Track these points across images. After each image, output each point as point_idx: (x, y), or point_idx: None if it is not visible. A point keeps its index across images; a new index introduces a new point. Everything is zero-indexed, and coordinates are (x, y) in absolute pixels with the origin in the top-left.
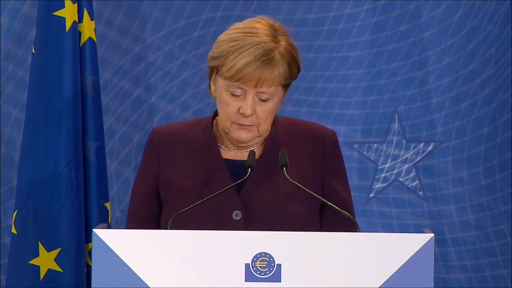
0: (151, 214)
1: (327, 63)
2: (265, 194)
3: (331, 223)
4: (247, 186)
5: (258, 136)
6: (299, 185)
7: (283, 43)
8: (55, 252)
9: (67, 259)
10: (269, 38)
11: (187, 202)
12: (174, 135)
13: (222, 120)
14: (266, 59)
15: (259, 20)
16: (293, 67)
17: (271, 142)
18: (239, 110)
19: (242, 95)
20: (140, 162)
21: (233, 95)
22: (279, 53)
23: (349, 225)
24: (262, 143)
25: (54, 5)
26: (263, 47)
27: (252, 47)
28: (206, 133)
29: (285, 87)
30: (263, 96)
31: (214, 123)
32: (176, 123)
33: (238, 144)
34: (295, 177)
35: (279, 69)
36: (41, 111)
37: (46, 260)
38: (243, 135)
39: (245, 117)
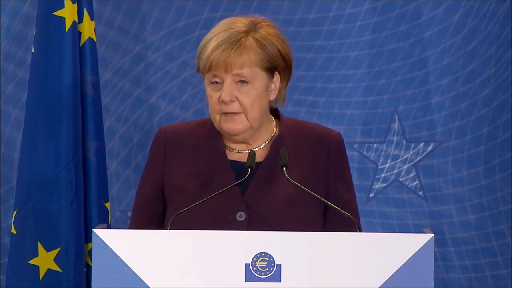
0: (155, 214)
1: (327, 63)
2: (269, 196)
3: (334, 225)
4: (251, 188)
5: (250, 128)
6: (299, 185)
7: (261, 31)
8: (55, 252)
9: (67, 259)
10: (244, 27)
11: (191, 202)
12: (180, 135)
13: (212, 117)
14: (232, 41)
15: (242, 17)
16: (271, 51)
17: (276, 143)
18: (219, 99)
19: (220, 84)
20: (146, 161)
21: (214, 86)
22: (252, 38)
23: (353, 227)
24: (267, 144)
25: (54, 5)
26: (231, 33)
27: (221, 34)
28: (211, 134)
29: (269, 72)
30: (241, 78)
31: None
32: (182, 123)
33: (233, 139)
34: (299, 178)
35: (249, 51)
36: (41, 111)
37: (45, 260)
38: (231, 126)
39: (226, 104)
